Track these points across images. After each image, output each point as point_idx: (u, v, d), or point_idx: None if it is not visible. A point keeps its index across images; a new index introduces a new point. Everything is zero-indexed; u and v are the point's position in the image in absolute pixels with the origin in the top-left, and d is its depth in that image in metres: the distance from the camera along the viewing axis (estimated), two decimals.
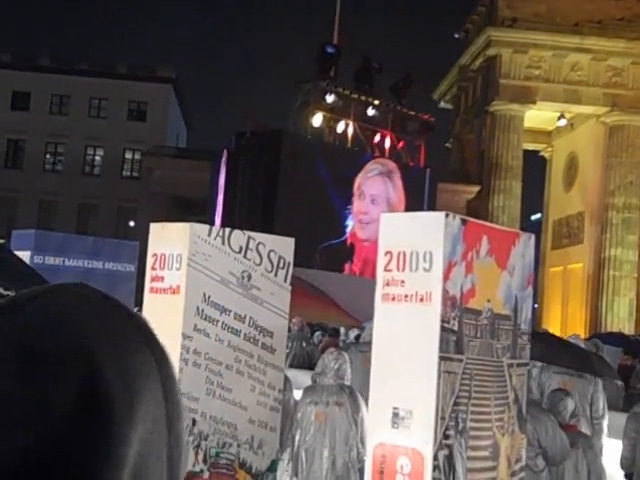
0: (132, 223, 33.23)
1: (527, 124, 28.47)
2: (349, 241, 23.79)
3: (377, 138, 25.84)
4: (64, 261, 11.33)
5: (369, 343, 7.76)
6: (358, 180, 24.04)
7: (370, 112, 25.56)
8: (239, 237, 4.66)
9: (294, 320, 11.41)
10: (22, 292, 0.60)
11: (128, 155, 39.12)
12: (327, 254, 21.79)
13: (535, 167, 32.69)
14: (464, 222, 3.78)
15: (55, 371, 0.54)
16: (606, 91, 27.14)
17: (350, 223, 23.91)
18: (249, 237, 4.68)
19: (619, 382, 8.55)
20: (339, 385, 5.44)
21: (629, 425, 6.09)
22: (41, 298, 0.59)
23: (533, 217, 38.64)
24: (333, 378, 5.44)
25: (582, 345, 8.31)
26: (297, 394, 5.87)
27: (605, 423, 7.02)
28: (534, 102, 27.38)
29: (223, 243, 4.61)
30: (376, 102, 25.65)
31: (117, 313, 0.60)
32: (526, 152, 29.76)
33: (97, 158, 39.63)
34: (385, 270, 3.72)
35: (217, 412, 4.57)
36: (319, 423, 5.37)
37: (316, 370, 5.60)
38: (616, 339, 13.29)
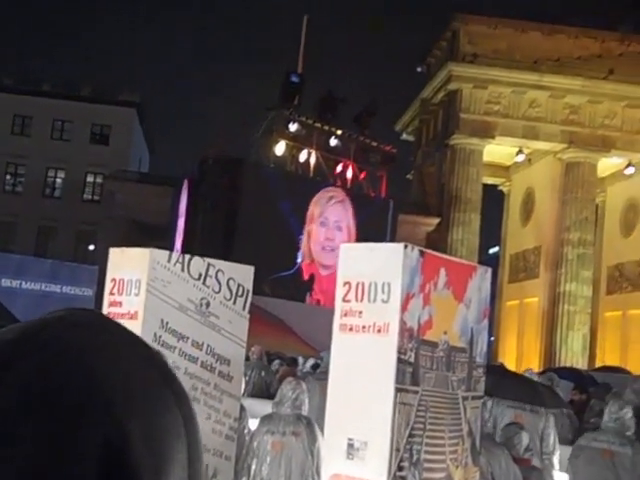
0: (92, 247, 32.89)
1: (486, 158, 28.90)
2: (306, 272, 23.65)
3: (339, 168, 26.01)
4: (21, 284, 11.17)
5: (327, 372, 7.77)
6: (317, 208, 24.01)
7: (333, 142, 25.77)
8: (199, 264, 4.65)
9: (253, 349, 11.36)
10: (28, 324, 0.54)
11: (90, 178, 38.82)
12: (281, 285, 21.50)
13: (494, 201, 33.17)
14: (422, 254, 3.83)
15: (73, 431, 0.48)
16: (563, 128, 27.71)
17: (303, 253, 23.71)
18: (209, 264, 4.67)
19: (573, 416, 8.66)
20: (296, 415, 5.43)
21: (572, 458, 6.15)
22: (50, 333, 0.53)
23: (491, 250, 39.10)
24: (290, 408, 5.43)
25: (535, 379, 8.40)
26: (254, 423, 5.84)
27: (556, 458, 7.09)
28: (493, 137, 27.84)
29: (182, 270, 4.59)
30: (339, 132, 25.88)
31: (142, 358, 0.54)
32: (485, 186, 30.17)
33: (58, 180, 39.26)
34: (343, 300, 3.75)
35: None
36: (275, 453, 5.35)
37: (275, 399, 5.59)
38: (569, 374, 13.45)
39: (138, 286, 4.43)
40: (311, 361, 11.17)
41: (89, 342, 0.53)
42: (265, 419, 5.56)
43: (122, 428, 0.50)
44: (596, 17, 30.15)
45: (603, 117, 27.71)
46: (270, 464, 5.33)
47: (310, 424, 5.38)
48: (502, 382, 6.57)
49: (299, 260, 23.53)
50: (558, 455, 7.11)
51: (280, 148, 24.54)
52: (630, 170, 28.31)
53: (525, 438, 5.69)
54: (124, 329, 0.57)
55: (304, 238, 23.74)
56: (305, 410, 5.51)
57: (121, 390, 0.51)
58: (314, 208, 24.00)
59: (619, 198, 30.92)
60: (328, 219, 24.17)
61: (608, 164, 29.05)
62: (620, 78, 27.24)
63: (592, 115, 27.69)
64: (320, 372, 8.22)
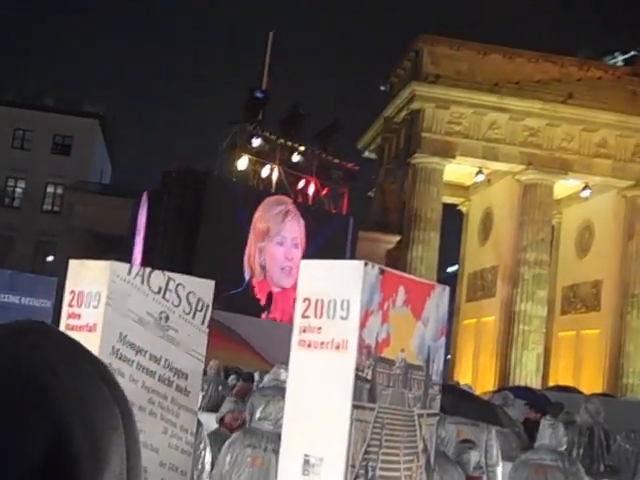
0: (50, 258, 32.44)
1: (447, 178, 29.22)
2: (260, 291, 23.28)
3: (301, 184, 26.08)
4: None
5: (273, 388, 7.82)
6: (273, 225, 23.61)
7: (295, 158, 25.84)
8: (159, 277, 4.64)
9: (211, 363, 11.32)
10: None
11: (50, 189, 38.32)
12: (233, 302, 21.04)
13: (453, 220, 33.52)
14: (382, 272, 3.88)
15: (20, 422, 0.52)
16: (522, 150, 28.16)
17: (252, 270, 23.26)
18: (169, 278, 4.67)
19: (522, 434, 8.79)
20: (277, 434, 5.51)
21: (511, 474, 6.33)
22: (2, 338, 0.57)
23: (450, 269, 39.46)
24: (273, 425, 5.49)
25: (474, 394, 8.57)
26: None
27: (499, 470, 7.23)
28: (454, 157, 28.16)
29: (142, 283, 4.58)
30: (302, 148, 25.97)
31: (82, 359, 0.59)
32: (445, 205, 30.49)
33: (18, 190, 38.70)
34: (302, 317, 3.78)
35: None
36: (255, 467, 5.39)
37: (257, 415, 5.63)
38: (523, 393, 13.62)
39: (97, 299, 4.41)
40: (270, 376, 11.16)
41: (32, 345, 0.58)
42: (246, 433, 5.62)
43: (63, 421, 0.54)
44: (556, 42, 30.85)
45: (561, 140, 28.24)
46: (248, 478, 5.37)
47: None
48: (453, 400, 6.69)
49: (247, 277, 23.19)
50: (501, 467, 7.26)
51: (243, 163, 24.54)
52: (586, 193, 28.87)
53: (475, 455, 5.83)
54: (64, 335, 0.62)
55: (253, 254, 23.27)
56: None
57: (61, 386, 0.56)
58: (267, 224, 23.52)
59: (575, 220, 31.49)
60: (286, 238, 23.79)
61: (565, 186, 29.60)
62: (578, 102, 27.82)
63: (550, 138, 28.19)
64: (266, 387, 8.28)
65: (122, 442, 0.58)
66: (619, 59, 31.13)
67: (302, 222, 24.15)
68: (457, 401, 6.84)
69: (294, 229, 24.04)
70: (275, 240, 23.67)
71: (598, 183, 28.79)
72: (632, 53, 30.93)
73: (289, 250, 23.66)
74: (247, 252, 23.11)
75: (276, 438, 5.47)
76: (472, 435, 7.23)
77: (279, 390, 6.44)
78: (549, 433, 6.12)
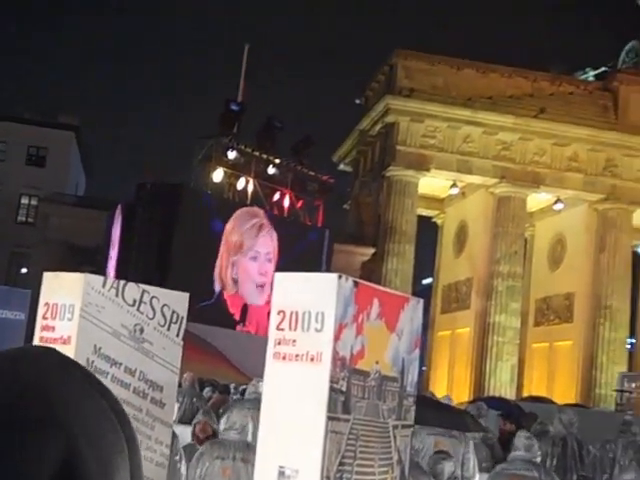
0: (24, 270, 32.12)
1: (422, 190, 29.41)
2: (232, 304, 23.11)
3: (276, 196, 26.13)
4: None
5: (253, 400, 7.83)
6: (246, 240, 23.39)
7: (271, 170, 25.90)
8: (133, 290, 4.65)
9: (185, 375, 11.28)
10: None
11: (24, 200, 37.97)
12: (205, 315, 20.89)
13: (428, 232, 33.72)
14: (356, 284, 3.91)
15: (32, 445, 0.54)
16: (495, 163, 28.44)
17: (223, 282, 23.05)
18: (143, 290, 4.68)
19: (496, 445, 8.85)
20: (244, 442, 5.50)
21: None
22: (8, 363, 0.59)
23: (425, 281, 39.63)
24: (240, 434, 5.49)
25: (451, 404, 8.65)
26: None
27: None
28: (428, 170, 28.37)
29: (117, 295, 4.59)
30: (277, 161, 26.05)
31: (91, 386, 0.62)
32: (420, 217, 30.68)
33: None
34: (277, 329, 3.80)
35: None
36: (225, 478, 5.39)
37: (225, 425, 5.63)
38: (497, 403, 13.71)
39: (72, 311, 4.41)
40: (251, 389, 11.15)
41: (46, 372, 0.61)
42: (214, 444, 5.62)
43: (75, 445, 0.57)
44: (529, 58, 31.24)
45: (533, 154, 28.56)
46: None
47: None
48: (426, 410, 6.75)
49: (217, 289, 22.99)
50: (478, 479, 7.32)
51: (218, 175, 24.53)
52: (559, 206, 29.20)
53: (449, 466, 5.89)
54: (75, 362, 0.65)
55: (225, 267, 22.98)
56: (250, 437, 5.59)
57: (74, 413, 0.58)
58: (241, 237, 23.23)
59: (547, 233, 31.83)
60: (260, 253, 23.54)
61: (537, 199, 29.92)
62: (550, 117, 28.17)
63: (523, 152, 28.50)
64: (246, 400, 8.27)
65: (127, 465, 0.62)
66: (590, 74, 31.60)
67: (275, 235, 24.04)
68: (428, 410, 6.90)
69: (267, 244, 23.88)
70: (249, 255, 23.45)
71: (570, 197, 29.13)
72: (603, 69, 31.43)
73: (263, 265, 23.50)
74: (218, 264, 22.91)
75: (244, 446, 5.48)
76: (449, 447, 7.30)
77: (259, 403, 6.45)
78: (523, 444, 6.22)
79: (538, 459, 6.38)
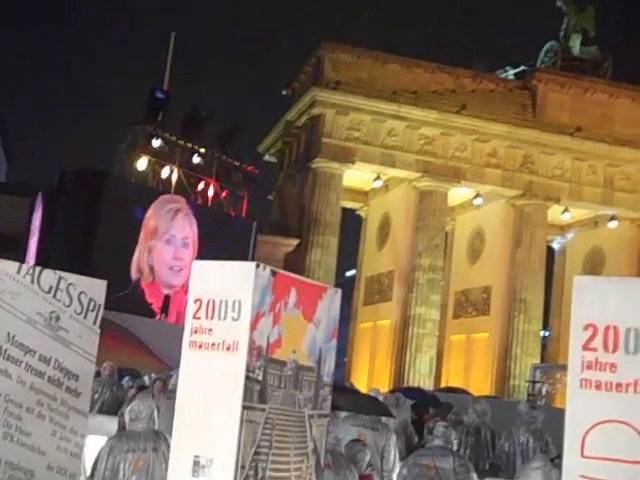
0: None
1: (346, 183, 29.63)
2: (150, 294, 22.77)
3: (201, 186, 25.95)
4: None
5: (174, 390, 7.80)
6: (161, 223, 22.93)
7: (195, 160, 25.73)
8: (50, 277, 4.60)
9: (104, 364, 11.15)
10: None
11: None
12: (125, 304, 20.12)
13: (352, 225, 33.98)
14: (274, 274, 3.94)
15: None
16: (418, 158, 28.87)
17: (141, 270, 22.66)
18: (60, 277, 4.63)
19: (413, 434, 9.07)
20: (153, 431, 5.47)
21: (400, 473, 6.60)
22: None
23: (348, 273, 39.97)
24: (147, 424, 5.46)
25: (380, 398, 8.81)
26: (104, 440, 5.78)
27: (395, 475, 7.46)
28: (353, 162, 28.59)
29: (32, 282, 4.53)
30: (202, 150, 25.88)
31: None
32: (344, 210, 30.90)
33: None
34: (194, 317, 3.81)
35: (13, 457, 4.42)
36: (139, 470, 5.35)
37: (130, 416, 5.59)
38: (414, 394, 14.02)
39: None
40: (174, 379, 11.08)
41: None
42: (122, 437, 5.57)
43: None
44: (451, 55, 31.81)
45: (454, 149, 29.11)
46: None
47: (166, 439, 5.43)
48: (345, 398, 6.90)
49: (134, 278, 22.46)
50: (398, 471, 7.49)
51: (142, 163, 24.23)
52: (478, 201, 29.86)
53: (367, 455, 6.02)
54: None
55: (142, 254, 22.47)
56: (157, 425, 5.56)
57: None
58: (156, 222, 22.79)
59: (467, 227, 32.52)
60: (175, 237, 23.07)
61: (458, 194, 30.53)
62: (471, 113, 28.76)
63: (444, 147, 29.00)
64: (171, 390, 8.22)
65: None
66: (510, 73, 32.39)
67: (194, 222, 23.66)
68: (346, 397, 7.05)
69: (185, 228, 23.44)
70: (164, 239, 22.99)
71: (489, 192, 29.82)
72: (522, 68, 32.25)
73: (178, 250, 23.09)
74: (136, 252, 22.49)
75: (153, 436, 5.47)
76: (371, 439, 7.44)
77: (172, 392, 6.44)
78: (442, 433, 6.43)
79: (454, 447, 6.61)
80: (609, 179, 30.22)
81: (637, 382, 3.26)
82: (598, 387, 3.29)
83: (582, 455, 3.27)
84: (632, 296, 3.30)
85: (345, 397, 7.38)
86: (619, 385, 3.27)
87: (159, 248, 22.93)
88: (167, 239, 23.08)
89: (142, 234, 22.60)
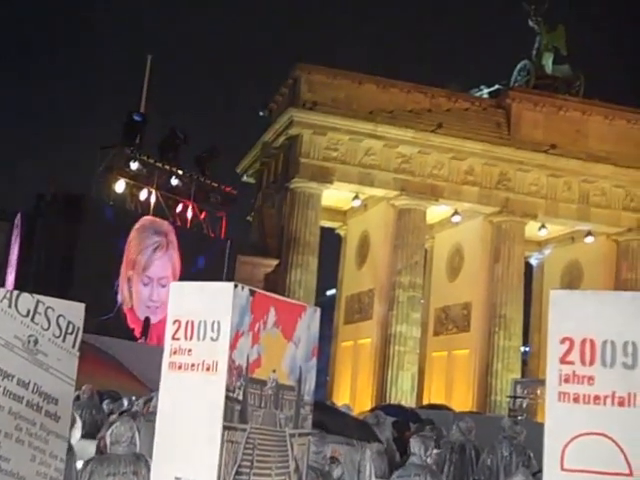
0: None
1: (325, 202, 29.73)
2: (131, 319, 22.78)
3: (179, 208, 25.96)
4: None
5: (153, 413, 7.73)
6: (140, 257, 22.96)
7: (174, 182, 25.77)
8: (27, 300, 4.57)
9: (83, 388, 11.09)
10: None
11: None
12: (106, 327, 20.32)
13: (332, 244, 34.04)
14: (253, 293, 3.95)
15: None
16: (396, 176, 29.05)
17: (123, 297, 22.69)
18: (38, 301, 4.61)
19: (394, 451, 9.06)
20: (134, 454, 5.43)
21: None
22: None
23: (329, 292, 39.97)
24: (128, 447, 5.42)
25: (352, 414, 8.83)
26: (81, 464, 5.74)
27: None
28: (331, 182, 28.71)
29: (10, 306, 4.50)
30: (180, 172, 25.93)
31: None
32: (323, 229, 30.97)
33: None
34: (173, 338, 3.81)
35: None
36: None
37: (111, 439, 5.54)
38: (396, 411, 14.02)
39: None
40: (155, 401, 11.02)
41: None
42: (103, 460, 5.52)
43: None
44: (427, 74, 32.12)
45: (432, 167, 29.33)
46: None
47: (147, 462, 5.39)
48: (326, 418, 6.90)
49: (119, 302, 22.57)
50: None
51: (120, 186, 24.22)
52: (456, 218, 30.06)
53: (338, 470, 6.06)
54: None
55: (124, 280, 22.67)
56: (138, 448, 5.52)
57: None
58: (136, 256, 22.83)
59: (446, 244, 32.70)
60: (152, 279, 23.09)
61: (436, 212, 30.73)
62: (447, 132, 29.03)
63: (422, 165, 29.22)
64: (151, 412, 8.17)
65: None
66: (484, 92, 32.77)
67: (176, 253, 23.68)
68: (330, 419, 7.04)
69: (164, 268, 23.38)
70: (141, 278, 23.01)
71: (467, 209, 30.03)
72: (496, 86, 32.65)
73: (154, 290, 23.08)
74: (120, 277, 22.62)
75: (133, 459, 5.43)
76: (347, 454, 7.44)
77: (152, 415, 6.39)
78: (419, 447, 6.42)
79: (431, 459, 6.59)
80: (584, 195, 30.56)
81: (614, 394, 3.29)
82: (576, 400, 3.31)
83: (562, 468, 3.29)
84: (607, 309, 3.34)
85: (334, 420, 7.38)
86: (597, 397, 3.29)
87: (137, 284, 22.97)
88: (145, 282, 23.01)
89: (124, 259, 22.62)
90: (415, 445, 6.52)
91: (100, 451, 6.76)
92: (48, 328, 4.58)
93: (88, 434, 9.94)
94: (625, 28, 50.45)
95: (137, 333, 22.67)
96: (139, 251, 22.97)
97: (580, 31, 36.45)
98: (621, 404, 3.24)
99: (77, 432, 6.00)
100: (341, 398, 27.60)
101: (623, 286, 29.40)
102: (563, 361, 3.33)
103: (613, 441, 3.24)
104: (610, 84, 35.98)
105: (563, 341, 3.34)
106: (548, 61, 32.96)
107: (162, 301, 22.28)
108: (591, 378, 3.29)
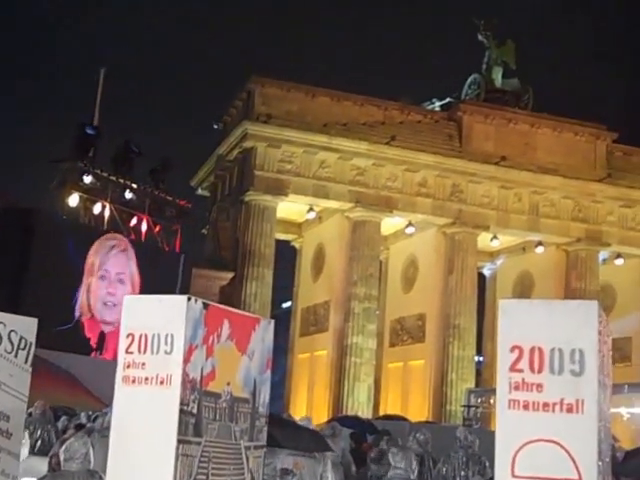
0: None
1: (280, 215, 29.72)
2: (89, 329, 22.66)
3: (134, 221, 25.74)
4: None
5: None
6: (97, 258, 23.07)
7: (128, 195, 25.56)
8: None
9: (36, 404, 10.90)
10: None
11: None
12: (63, 340, 20.10)
13: (287, 256, 33.99)
14: (206, 306, 3.96)
15: None
16: (351, 188, 29.19)
17: (81, 307, 22.68)
18: None
19: (350, 463, 9.10)
20: (87, 471, 5.37)
21: None
22: None
23: (284, 304, 39.90)
24: (82, 463, 5.35)
25: (312, 427, 8.85)
26: None
27: None
28: (286, 194, 28.72)
29: None
30: (134, 185, 25.73)
31: None
32: (279, 241, 30.95)
33: None
34: (126, 352, 3.80)
35: None
36: None
37: (64, 455, 5.46)
38: (352, 422, 14.05)
39: None
40: (108, 417, 10.88)
41: None
42: (56, 477, 5.45)
43: None
44: (380, 87, 32.41)
45: (386, 179, 29.54)
46: None
47: (101, 478, 5.33)
48: (282, 431, 6.91)
49: (77, 314, 22.53)
50: None
51: (74, 200, 23.97)
52: (410, 230, 30.30)
53: None
54: None
55: (82, 291, 22.68)
56: (92, 465, 5.46)
57: None
58: (94, 258, 22.96)
59: (400, 256, 32.93)
60: (109, 272, 23.18)
61: (391, 223, 30.94)
62: (401, 144, 29.29)
63: (376, 177, 29.41)
64: (106, 428, 8.08)
65: None
66: (437, 105, 33.20)
67: (133, 258, 23.71)
68: (285, 432, 7.05)
69: (120, 264, 23.48)
70: (98, 274, 23.04)
71: (420, 221, 30.30)
72: (448, 100, 33.11)
73: (111, 284, 23.09)
74: (80, 289, 22.53)
75: (87, 475, 5.37)
76: (309, 466, 7.45)
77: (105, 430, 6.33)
78: (403, 459, 6.41)
79: (414, 475, 6.56)
80: (534, 206, 31.09)
81: (563, 401, 3.36)
82: (526, 407, 3.38)
83: (513, 475, 3.36)
84: (555, 317, 3.42)
85: (286, 433, 7.38)
86: (546, 405, 3.37)
87: (94, 284, 22.95)
88: (101, 275, 23.05)
89: (85, 270, 22.57)
90: (397, 459, 6.47)
91: (52, 468, 6.64)
92: (0, 344, 4.52)
93: (40, 451, 9.79)
94: (572, 43, 51.60)
95: (93, 343, 22.47)
96: (96, 255, 23.08)
97: (528, 46, 37.20)
98: (569, 411, 3.32)
99: (25, 449, 5.91)
100: (298, 410, 27.56)
101: (572, 295, 29.91)
102: (513, 369, 3.41)
103: (562, 447, 3.32)
104: (558, 97, 36.72)
105: (512, 349, 3.42)
106: (497, 75, 33.54)
107: (119, 298, 22.09)
108: (540, 385, 3.36)
